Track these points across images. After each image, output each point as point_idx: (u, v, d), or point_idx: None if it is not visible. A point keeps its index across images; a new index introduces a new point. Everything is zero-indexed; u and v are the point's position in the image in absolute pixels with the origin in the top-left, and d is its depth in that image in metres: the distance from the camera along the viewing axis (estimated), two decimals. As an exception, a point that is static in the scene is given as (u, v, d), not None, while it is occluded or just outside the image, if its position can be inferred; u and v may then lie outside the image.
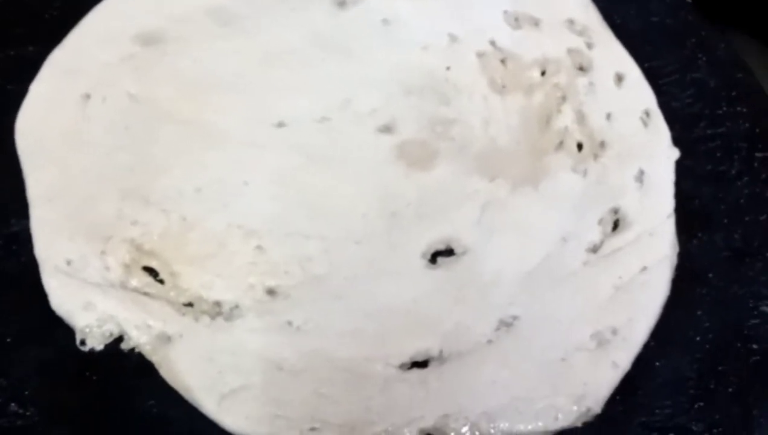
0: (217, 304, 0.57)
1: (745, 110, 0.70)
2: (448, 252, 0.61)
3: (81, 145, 0.63)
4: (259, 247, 0.60)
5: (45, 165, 0.62)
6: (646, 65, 0.73)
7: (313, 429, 0.52)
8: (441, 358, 0.56)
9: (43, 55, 0.68)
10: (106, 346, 0.54)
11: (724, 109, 0.70)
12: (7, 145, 0.63)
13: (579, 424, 0.54)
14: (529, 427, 0.53)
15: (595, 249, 0.62)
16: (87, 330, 0.55)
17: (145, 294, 0.57)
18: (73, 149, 0.63)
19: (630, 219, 0.63)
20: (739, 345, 0.57)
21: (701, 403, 0.55)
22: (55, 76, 0.67)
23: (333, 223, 0.62)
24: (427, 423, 0.53)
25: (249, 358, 0.55)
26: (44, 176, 0.62)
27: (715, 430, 0.54)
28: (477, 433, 0.53)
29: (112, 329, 0.55)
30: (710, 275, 0.61)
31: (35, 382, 0.53)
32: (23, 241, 0.58)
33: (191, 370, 0.54)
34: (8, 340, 0.54)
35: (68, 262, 0.57)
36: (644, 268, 0.60)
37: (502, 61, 0.72)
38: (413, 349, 0.56)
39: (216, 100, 0.67)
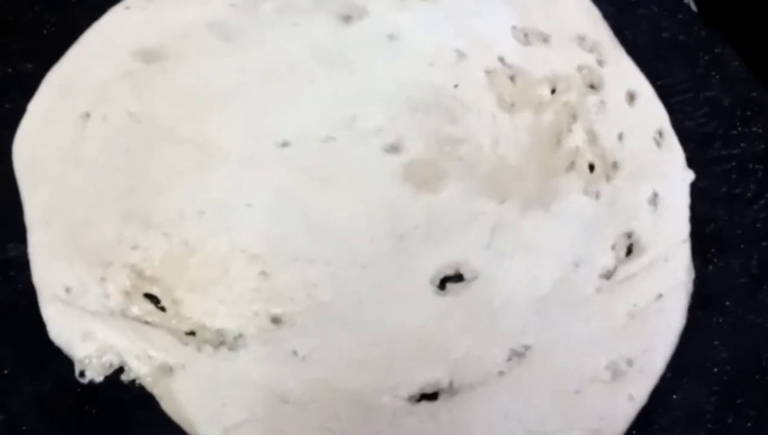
0: (221, 332, 0.55)
1: (760, 130, 0.68)
2: (458, 277, 0.60)
3: (80, 166, 0.62)
4: (263, 273, 0.58)
5: (43, 187, 0.61)
6: (658, 83, 0.71)
7: (319, 465, 0.51)
8: (451, 390, 0.54)
9: (42, 72, 0.66)
10: (106, 378, 0.53)
11: (739, 129, 0.68)
12: (4, 165, 0.61)
13: (594, 460, 0.52)
14: (543, 463, 0.52)
15: (608, 275, 0.60)
16: (86, 361, 0.53)
17: (147, 322, 0.55)
18: (72, 170, 0.61)
19: (644, 243, 0.62)
20: (757, 377, 0.56)
21: (719, 439, 0.53)
22: (54, 94, 0.66)
23: (339, 247, 0.60)
24: (438, 459, 0.52)
25: (253, 389, 0.53)
26: (42, 199, 0.60)
27: (734, 466, 0.53)
28: (489, 468, 0.51)
29: (112, 360, 0.54)
30: (727, 303, 0.59)
31: (33, 417, 0.51)
32: (21, 266, 0.57)
33: (193, 402, 0.53)
34: (5, 371, 0.53)
35: (67, 290, 0.56)
36: (660, 296, 0.59)
37: (511, 78, 0.71)
38: (422, 380, 0.55)
39: (218, 118, 0.66)
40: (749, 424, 0.54)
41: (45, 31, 0.69)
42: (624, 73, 0.72)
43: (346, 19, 0.73)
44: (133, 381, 0.53)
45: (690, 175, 0.65)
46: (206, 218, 0.60)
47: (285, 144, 0.65)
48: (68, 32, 0.69)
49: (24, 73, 0.66)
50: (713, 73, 0.72)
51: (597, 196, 0.64)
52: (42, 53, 0.67)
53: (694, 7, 0.82)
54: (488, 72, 0.71)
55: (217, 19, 0.72)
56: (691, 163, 0.66)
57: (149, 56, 0.68)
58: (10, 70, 0.66)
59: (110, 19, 0.71)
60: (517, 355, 0.56)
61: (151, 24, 0.71)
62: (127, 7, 0.72)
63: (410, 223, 0.62)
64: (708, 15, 0.81)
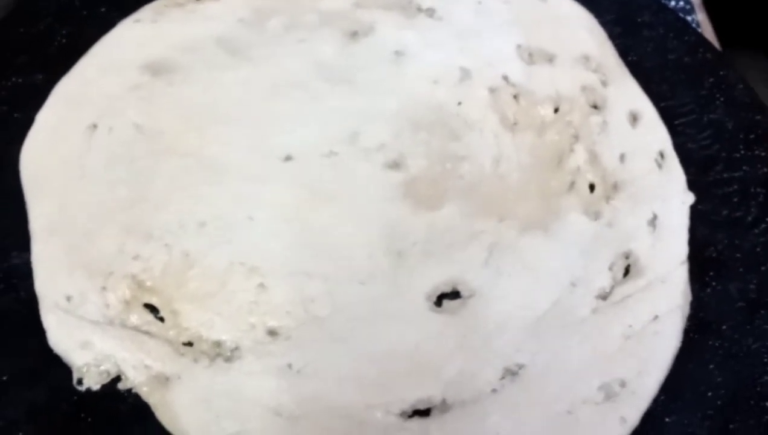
0: (217, 344, 0.56)
1: (763, 154, 0.68)
2: (454, 294, 0.60)
3: (85, 176, 0.63)
4: (261, 286, 0.59)
5: (48, 197, 0.62)
6: (662, 104, 0.71)
7: (310, 479, 0.51)
8: (443, 407, 0.55)
9: (51, 83, 0.68)
10: (103, 387, 0.54)
11: (742, 152, 0.68)
12: (11, 174, 0.63)
13: (584, 482, 0.52)
14: (533, 483, 0.52)
15: (605, 296, 0.60)
16: (84, 369, 0.54)
17: (145, 332, 0.56)
18: (76, 181, 0.63)
19: (641, 265, 0.61)
20: (752, 402, 0.55)
21: (711, 464, 0.53)
22: (62, 105, 0.67)
23: (337, 262, 0.60)
24: (428, 475, 0.52)
25: (247, 402, 0.54)
26: (47, 208, 0.61)
27: (725, 493, 0.52)
28: (479, 487, 0.52)
29: (109, 369, 0.54)
30: (723, 327, 0.59)
31: (28, 424, 0.52)
32: (23, 275, 0.58)
33: (188, 413, 0.53)
34: (3, 377, 0.54)
35: (68, 298, 0.57)
36: (655, 317, 0.58)
37: (515, 97, 0.71)
38: (415, 397, 0.55)
39: (222, 132, 0.67)
40: (742, 450, 0.54)
41: (56, 43, 0.71)
42: (627, 94, 0.72)
43: (353, 35, 0.74)
44: (129, 390, 0.54)
45: (690, 198, 0.65)
46: (207, 230, 0.61)
47: (288, 158, 0.66)
48: (79, 44, 0.70)
49: (34, 84, 0.68)
50: (717, 96, 0.72)
51: (596, 216, 0.64)
52: (52, 65, 0.69)
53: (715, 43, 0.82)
54: (492, 90, 0.71)
55: (225, 34, 0.73)
56: (693, 185, 0.66)
57: (157, 69, 0.70)
58: (20, 80, 0.68)
59: (120, 32, 0.72)
60: (511, 373, 0.56)
61: (160, 38, 0.72)
62: (137, 21, 0.73)
63: (409, 240, 0.62)
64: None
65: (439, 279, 0.60)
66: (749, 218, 0.65)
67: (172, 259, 0.59)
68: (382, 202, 0.64)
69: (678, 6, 0.89)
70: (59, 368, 0.54)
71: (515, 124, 0.69)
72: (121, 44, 0.71)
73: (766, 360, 0.57)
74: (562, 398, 0.55)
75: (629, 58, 0.75)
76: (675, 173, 0.67)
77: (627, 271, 0.62)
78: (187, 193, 0.63)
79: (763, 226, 0.64)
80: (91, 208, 0.61)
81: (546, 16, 0.77)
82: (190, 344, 0.56)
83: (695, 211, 0.65)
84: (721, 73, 0.73)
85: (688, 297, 0.60)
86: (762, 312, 0.59)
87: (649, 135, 0.69)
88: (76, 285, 0.57)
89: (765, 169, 0.67)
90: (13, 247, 0.59)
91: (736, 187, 0.66)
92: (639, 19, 0.77)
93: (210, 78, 0.70)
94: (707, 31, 0.89)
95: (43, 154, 0.64)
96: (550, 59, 0.74)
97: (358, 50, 0.73)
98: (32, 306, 0.56)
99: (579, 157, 0.67)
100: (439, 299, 0.60)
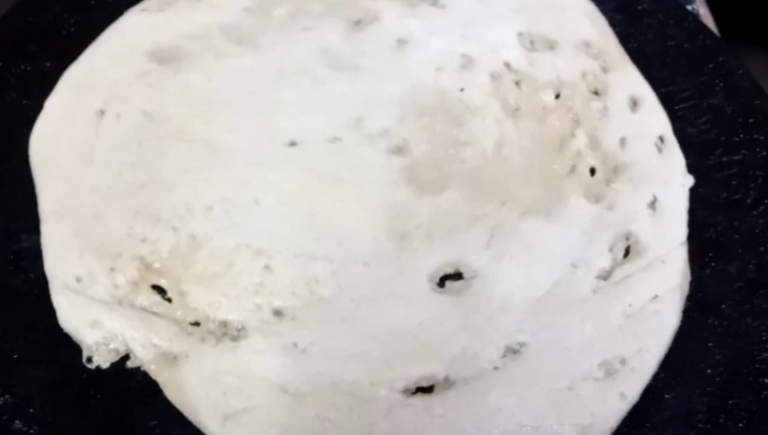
0: (224, 324, 0.57)
1: (762, 138, 0.68)
2: (457, 276, 0.61)
3: (93, 161, 0.64)
4: (267, 267, 0.59)
5: (57, 181, 0.63)
6: (662, 90, 0.72)
7: (316, 454, 0.52)
8: (446, 384, 0.55)
9: (60, 71, 0.69)
10: (112, 365, 0.55)
11: (741, 136, 0.69)
12: (21, 159, 0.64)
13: (585, 456, 0.53)
14: (534, 456, 0.53)
15: (605, 276, 0.61)
16: (94, 347, 0.55)
17: (153, 313, 0.57)
18: (85, 166, 0.64)
19: (642, 246, 0.62)
20: (750, 379, 0.56)
21: (710, 438, 0.54)
22: (71, 92, 0.68)
23: (342, 245, 0.61)
24: (431, 450, 0.52)
25: (253, 380, 0.54)
26: (56, 192, 0.62)
27: (724, 466, 0.53)
28: (481, 460, 0.52)
29: (118, 347, 0.55)
30: (723, 306, 0.59)
31: (40, 400, 0.53)
32: (33, 256, 0.59)
33: (195, 390, 0.54)
34: (15, 356, 0.55)
35: (77, 279, 0.58)
36: (655, 297, 0.59)
37: (517, 83, 0.72)
38: (418, 374, 0.56)
39: (228, 118, 0.68)
40: (741, 425, 0.54)
41: (64, 32, 0.72)
42: (628, 79, 0.73)
43: (357, 23, 0.75)
44: (138, 368, 0.55)
45: (690, 180, 0.66)
46: (214, 214, 0.62)
47: (293, 143, 0.67)
48: (87, 33, 0.72)
49: (42, 71, 0.69)
50: (717, 81, 0.73)
51: (597, 199, 0.65)
52: (61, 53, 0.70)
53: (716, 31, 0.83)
54: (494, 77, 0.72)
55: (230, 23, 0.74)
56: (693, 169, 0.67)
57: (164, 57, 0.71)
58: (29, 68, 0.69)
59: (127, 21, 0.73)
60: (512, 351, 0.57)
61: (167, 26, 0.73)
62: (144, 9, 0.74)
63: (412, 223, 0.63)
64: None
65: (442, 261, 0.61)
66: (748, 200, 0.65)
67: (179, 241, 0.60)
68: (385, 187, 0.65)
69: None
70: (69, 347, 0.55)
71: (517, 109, 0.70)
72: (129, 32, 0.72)
73: (764, 338, 0.58)
74: (563, 375, 0.56)
75: (630, 45, 0.76)
76: (675, 157, 0.68)
77: (627, 252, 0.62)
78: (194, 177, 0.64)
79: (762, 208, 0.65)
80: (99, 191, 0.62)
81: (547, 3, 0.78)
82: (197, 324, 0.57)
83: (695, 194, 0.65)
84: (721, 58, 0.74)
85: (688, 277, 0.61)
86: (761, 291, 0.60)
87: (649, 120, 0.70)
88: (85, 266, 0.58)
89: (764, 153, 0.68)
90: (23, 230, 0.60)
91: (735, 170, 0.67)
92: (639, 7, 0.78)
93: (216, 65, 0.71)
94: (708, 22, 0.90)
95: (52, 139, 0.65)
96: (552, 46, 0.75)
97: (363, 38, 0.74)
98: (42, 287, 0.57)
99: (580, 141, 0.68)
100: (442, 280, 0.61)
